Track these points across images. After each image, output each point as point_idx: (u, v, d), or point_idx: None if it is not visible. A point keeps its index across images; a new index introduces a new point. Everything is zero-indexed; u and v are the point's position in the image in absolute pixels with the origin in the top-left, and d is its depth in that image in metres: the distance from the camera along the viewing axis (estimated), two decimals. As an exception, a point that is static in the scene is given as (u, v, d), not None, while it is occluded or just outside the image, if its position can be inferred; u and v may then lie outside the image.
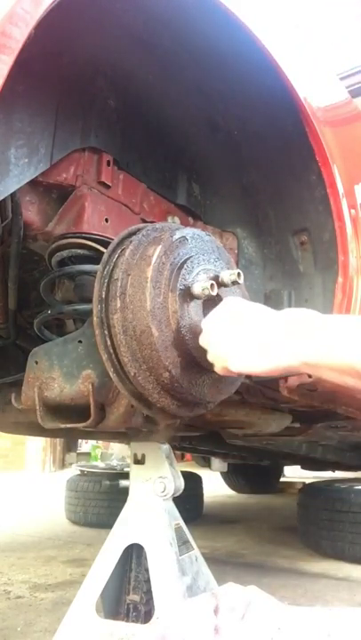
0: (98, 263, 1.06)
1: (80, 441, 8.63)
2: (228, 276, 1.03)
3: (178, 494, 1.35)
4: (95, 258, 1.17)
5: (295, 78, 1.27)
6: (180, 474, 1.37)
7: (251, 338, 0.82)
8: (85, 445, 8.82)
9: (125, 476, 3.36)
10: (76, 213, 1.19)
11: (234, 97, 1.32)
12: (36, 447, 8.44)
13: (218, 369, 0.91)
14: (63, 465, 8.69)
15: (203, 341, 0.93)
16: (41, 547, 2.95)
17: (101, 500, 3.41)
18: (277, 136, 1.38)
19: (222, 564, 2.47)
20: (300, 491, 3.06)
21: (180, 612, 0.72)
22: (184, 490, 1.36)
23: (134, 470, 1.38)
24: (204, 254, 1.06)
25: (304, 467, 4.00)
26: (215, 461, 4.04)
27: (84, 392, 1.12)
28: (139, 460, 1.37)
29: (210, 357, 0.92)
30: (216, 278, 1.03)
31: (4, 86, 0.76)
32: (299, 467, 4.04)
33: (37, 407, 1.17)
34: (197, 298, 1.00)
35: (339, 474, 4.05)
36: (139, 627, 1.25)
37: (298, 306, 1.48)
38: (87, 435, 3.36)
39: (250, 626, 0.65)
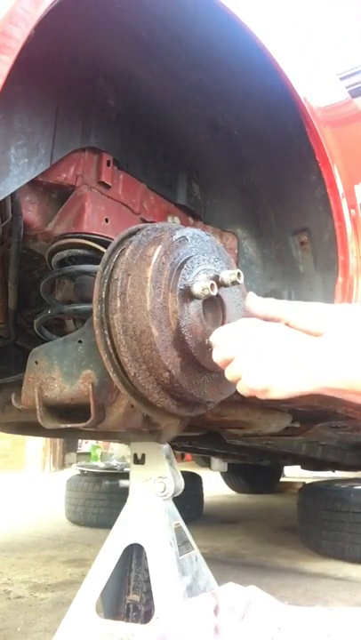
0: (98, 263, 1.06)
1: (80, 441, 8.63)
2: (228, 275, 1.03)
3: (178, 494, 1.35)
4: (95, 258, 1.17)
5: (295, 78, 1.27)
6: (180, 474, 1.37)
7: (289, 361, 0.78)
8: (85, 445, 8.82)
9: (125, 475, 3.36)
10: (76, 213, 1.19)
11: (234, 97, 1.32)
12: (36, 447, 8.45)
13: (253, 394, 0.84)
14: (63, 465, 8.69)
15: (233, 373, 0.84)
16: (41, 547, 2.95)
17: (101, 500, 3.41)
18: (277, 136, 1.37)
19: (222, 564, 2.48)
20: (300, 491, 3.06)
21: (180, 612, 0.72)
22: (184, 490, 1.36)
23: (134, 470, 1.38)
24: (204, 254, 1.06)
25: (304, 467, 4.00)
26: (215, 461, 4.04)
27: (84, 392, 1.12)
28: (139, 460, 1.38)
29: (241, 388, 0.84)
30: (216, 278, 1.02)
31: (4, 86, 0.76)
32: (299, 467, 4.04)
33: (37, 407, 1.17)
34: (197, 298, 1.00)
35: (339, 474, 4.05)
36: (139, 627, 1.25)
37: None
38: (87, 435, 3.36)
39: (250, 626, 0.65)
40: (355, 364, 0.72)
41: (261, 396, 0.81)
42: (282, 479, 5.54)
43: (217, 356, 0.88)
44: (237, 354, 0.83)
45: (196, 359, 1.00)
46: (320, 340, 0.78)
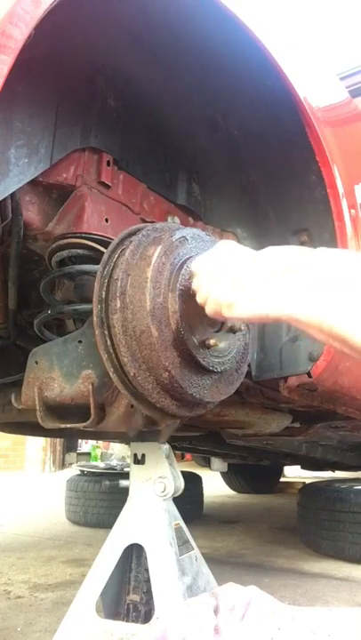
0: (98, 263, 1.06)
1: (80, 441, 8.63)
2: (228, 276, 1.03)
3: (178, 494, 1.35)
4: (95, 258, 1.17)
5: (295, 78, 1.27)
6: (180, 474, 1.37)
7: (260, 280, 0.77)
8: (85, 445, 8.82)
9: (125, 475, 3.36)
10: (76, 213, 1.19)
11: (234, 97, 1.32)
12: (36, 447, 8.44)
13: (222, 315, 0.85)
14: (63, 465, 8.68)
15: (200, 298, 0.89)
16: (41, 547, 2.95)
17: (101, 500, 3.41)
18: (277, 136, 1.37)
19: (222, 564, 2.48)
20: (300, 491, 3.06)
21: (180, 612, 0.72)
22: (184, 490, 1.36)
23: (134, 470, 1.38)
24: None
25: (304, 467, 4.00)
26: (215, 461, 4.04)
27: (84, 392, 1.12)
28: (139, 460, 1.37)
29: (209, 304, 0.86)
30: (216, 278, 1.02)
31: (3, 86, 0.76)
32: (299, 467, 4.04)
33: (37, 407, 1.17)
34: (197, 298, 1.00)
35: (339, 474, 4.05)
36: (139, 627, 1.25)
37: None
38: (87, 435, 3.36)
39: (250, 626, 0.65)
40: (329, 301, 0.68)
41: (226, 313, 0.82)
42: (282, 479, 5.54)
43: (194, 284, 0.91)
44: (209, 269, 0.86)
45: (196, 359, 1.00)
46: (301, 269, 0.74)
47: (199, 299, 0.89)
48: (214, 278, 0.84)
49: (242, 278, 0.80)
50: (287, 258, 0.77)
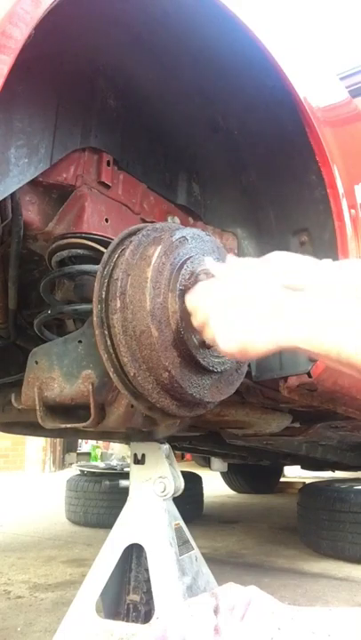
0: (98, 263, 1.06)
1: (80, 441, 8.64)
2: (228, 276, 1.02)
3: (178, 494, 1.35)
4: (95, 258, 1.17)
5: (295, 78, 1.27)
6: (180, 474, 1.37)
7: (263, 313, 0.73)
8: (85, 445, 8.83)
9: (125, 475, 3.36)
10: (76, 213, 1.19)
11: (234, 97, 1.32)
12: (36, 447, 8.44)
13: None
14: (63, 465, 8.68)
15: (209, 337, 0.85)
16: (41, 547, 2.95)
17: (101, 500, 3.41)
18: (277, 136, 1.38)
19: (222, 564, 2.48)
20: (300, 491, 3.06)
21: (180, 612, 0.72)
22: (184, 490, 1.36)
23: (134, 470, 1.38)
24: (204, 254, 1.06)
25: (304, 467, 4.00)
26: (215, 461, 4.04)
27: (84, 392, 1.12)
28: (139, 460, 1.37)
29: (220, 351, 0.82)
30: (216, 278, 1.02)
31: (3, 86, 0.76)
32: (299, 467, 4.04)
33: (37, 407, 1.17)
34: (197, 298, 1.00)
35: (339, 474, 4.05)
36: (139, 627, 1.25)
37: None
38: (87, 435, 3.36)
39: (250, 626, 0.65)
40: (317, 325, 0.67)
41: (241, 357, 0.79)
42: (282, 479, 5.54)
43: (194, 323, 0.88)
44: (208, 315, 0.82)
45: (196, 359, 1.00)
46: (295, 295, 0.72)
47: (209, 341, 0.87)
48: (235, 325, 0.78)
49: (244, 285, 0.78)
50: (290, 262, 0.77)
